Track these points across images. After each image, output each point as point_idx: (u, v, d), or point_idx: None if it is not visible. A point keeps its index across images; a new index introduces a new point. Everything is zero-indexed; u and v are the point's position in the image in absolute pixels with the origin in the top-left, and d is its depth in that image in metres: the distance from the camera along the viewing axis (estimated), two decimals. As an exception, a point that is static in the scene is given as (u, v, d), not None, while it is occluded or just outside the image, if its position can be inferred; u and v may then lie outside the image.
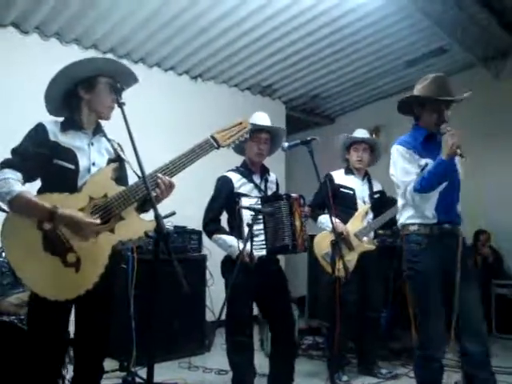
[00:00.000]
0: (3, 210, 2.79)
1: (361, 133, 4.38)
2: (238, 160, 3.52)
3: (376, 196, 4.35)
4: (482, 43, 5.97)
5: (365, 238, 4.13)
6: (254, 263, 2.94)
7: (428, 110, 2.87)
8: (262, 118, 3.42)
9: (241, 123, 2.55)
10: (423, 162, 2.80)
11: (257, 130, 3.29)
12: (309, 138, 3.04)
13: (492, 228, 5.92)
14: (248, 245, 2.89)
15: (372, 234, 4.27)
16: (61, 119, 2.43)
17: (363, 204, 4.24)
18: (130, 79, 2.50)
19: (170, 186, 2.31)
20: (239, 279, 2.90)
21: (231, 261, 3.15)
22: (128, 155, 2.44)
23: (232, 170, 3.41)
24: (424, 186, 2.70)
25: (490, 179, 5.57)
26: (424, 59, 6.38)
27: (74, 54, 5.24)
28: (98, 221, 2.18)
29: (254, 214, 2.96)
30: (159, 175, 2.28)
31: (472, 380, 2.71)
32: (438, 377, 2.79)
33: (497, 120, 5.90)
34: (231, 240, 3.17)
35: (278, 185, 3.59)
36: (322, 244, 4.03)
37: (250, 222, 2.91)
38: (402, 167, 2.83)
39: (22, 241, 2.14)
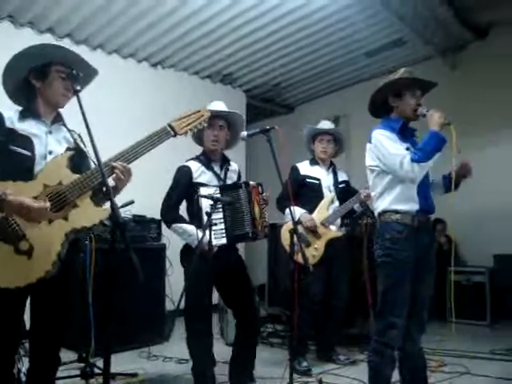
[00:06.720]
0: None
1: (325, 124, 4.44)
2: (201, 148, 3.49)
3: (341, 186, 4.41)
4: (440, 36, 6.11)
5: (332, 226, 4.19)
6: (212, 253, 2.93)
7: (406, 96, 2.89)
8: (218, 106, 3.41)
9: (199, 111, 2.55)
10: (405, 145, 2.80)
11: (212, 116, 3.18)
12: (268, 127, 3.04)
13: (447, 217, 6.07)
14: (207, 234, 2.88)
15: (339, 222, 4.31)
16: (20, 108, 2.40)
17: (329, 193, 4.30)
18: (85, 68, 2.46)
19: (128, 172, 2.28)
20: (198, 268, 2.88)
21: (190, 250, 3.14)
22: (86, 144, 2.40)
23: (192, 159, 3.39)
24: (421, 156, 2.70)
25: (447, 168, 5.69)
26: (383, 50, 6.48)
27: (28, 37, 5.07)
28: (48, 204, 2.14)
29: (212, 203, 2.95)
30: (113, 163, 2.25)
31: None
32: (391, 365, 2.83)
33: (452, 109, 5.98)
34: (192, 229, 3.15)
35: (240, 175, 3.59)
36: (287, 234, 4.05)
37: (209, 210, 2.90)
38: (391, 146, 2.79)
39: None
